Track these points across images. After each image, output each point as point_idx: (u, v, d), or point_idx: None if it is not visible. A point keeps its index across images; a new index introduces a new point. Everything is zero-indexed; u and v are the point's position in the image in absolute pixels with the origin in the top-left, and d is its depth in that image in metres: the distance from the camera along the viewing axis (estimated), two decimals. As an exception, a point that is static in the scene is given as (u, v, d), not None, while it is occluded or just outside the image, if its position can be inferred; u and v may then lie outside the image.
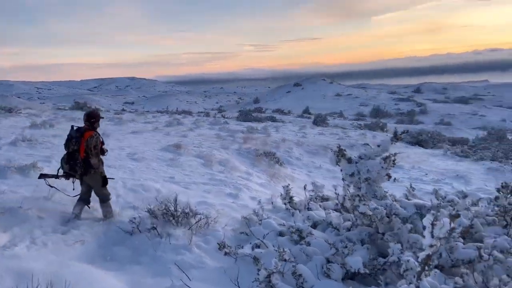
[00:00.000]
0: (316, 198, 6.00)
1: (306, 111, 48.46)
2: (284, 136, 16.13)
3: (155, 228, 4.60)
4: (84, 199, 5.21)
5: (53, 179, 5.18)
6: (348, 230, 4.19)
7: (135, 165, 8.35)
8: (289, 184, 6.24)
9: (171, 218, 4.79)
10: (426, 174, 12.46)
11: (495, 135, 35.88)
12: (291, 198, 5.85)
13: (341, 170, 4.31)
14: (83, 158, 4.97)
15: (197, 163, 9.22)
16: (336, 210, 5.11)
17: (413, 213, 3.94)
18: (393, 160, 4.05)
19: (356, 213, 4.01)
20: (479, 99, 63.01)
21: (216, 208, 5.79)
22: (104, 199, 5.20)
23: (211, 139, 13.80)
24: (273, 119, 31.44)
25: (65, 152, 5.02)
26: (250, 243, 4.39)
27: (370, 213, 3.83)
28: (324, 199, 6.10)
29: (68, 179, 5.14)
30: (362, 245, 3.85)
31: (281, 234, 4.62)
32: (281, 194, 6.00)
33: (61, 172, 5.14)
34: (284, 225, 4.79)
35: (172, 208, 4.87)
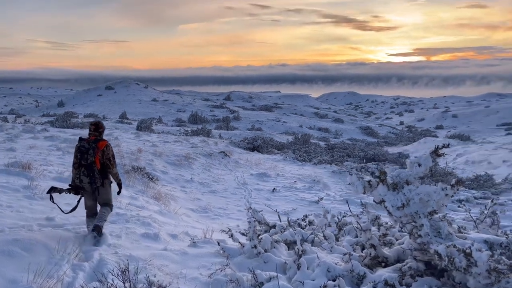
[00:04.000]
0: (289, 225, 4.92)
1: (124, 116, 45.21)
2: (138, 146, 14.06)
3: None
4: (93, 214, 5.04)
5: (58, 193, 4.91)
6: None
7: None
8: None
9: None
10: (295, 181, 12.61)
11: (301, 139, 40.65)
12: (258, 235, 4.51)
13: (379, 200, 3.37)
14: (99, 169, 4.90)
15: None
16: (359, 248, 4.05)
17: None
18: (458, 185, 3.33)
19: (413, 258, 3.18)
20: (279, 107, 70.72)
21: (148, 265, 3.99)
22: (110, 205, 5.08)
23: (45, 151, 10.80)
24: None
25: (73, 165, 4.94)
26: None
27: (443, 254, 3.02)
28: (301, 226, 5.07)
29: (78, 193, 4.95)
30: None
31: None
32: (238, 226, 4.68)
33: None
34: None
35: None
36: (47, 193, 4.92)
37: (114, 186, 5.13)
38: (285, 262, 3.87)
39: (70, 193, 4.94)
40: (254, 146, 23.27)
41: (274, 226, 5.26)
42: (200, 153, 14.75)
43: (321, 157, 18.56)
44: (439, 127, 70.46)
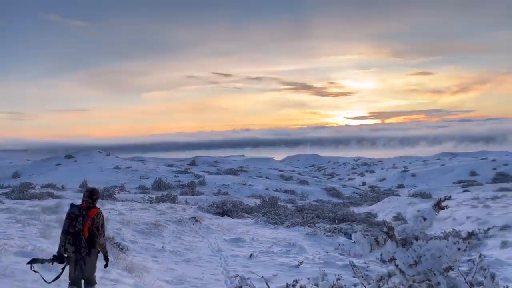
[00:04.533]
0: None
1: (84, 185, 43.63)
2: (108, 214, 13.31)
3: None
4: (76, 284, 4.77)
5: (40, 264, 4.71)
6: None
7: None
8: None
9: None
10: (271, 246, 12.21)
11: (269, 202, 40.45)
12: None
13: (388, 258, 3.20)
14: (87, 238, 4.72)
15: None
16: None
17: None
18: (470, 238, 3.23)
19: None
20: (245, 171, 70.78)
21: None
22: (92, 283, 4.85)
23: (3, 225, 9.96)
24: (51, 195, 26.54)
25: (61, 232, 4.75)
26: None
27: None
28: None
29: (62, 262, 4.73)
30: None
31: None
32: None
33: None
34: None
35: None
36: (27, 263, 4.73)
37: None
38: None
39: (52, 263, 4.74)
40: (223, 210, 22.75)
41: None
42: (169, 220, 14.17)
43: (293, 219, 18.31)
44: (400, 186, 72.42)
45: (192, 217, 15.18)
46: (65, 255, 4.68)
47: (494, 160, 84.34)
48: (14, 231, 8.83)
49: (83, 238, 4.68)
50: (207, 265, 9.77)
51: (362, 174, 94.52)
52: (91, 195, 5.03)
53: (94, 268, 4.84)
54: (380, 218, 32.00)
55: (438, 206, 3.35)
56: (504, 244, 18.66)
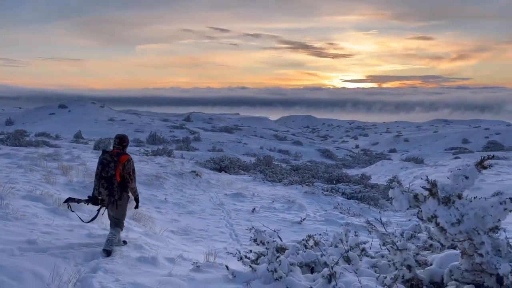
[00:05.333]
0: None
1: (78, 136, 43.37)
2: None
3: None
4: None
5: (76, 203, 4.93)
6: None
7: None
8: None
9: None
10: (273, 202, 12.29)
11: (264, 160, 40.67)
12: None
13: (428, 216, 3.09)
14: (119, 182, 4.90)
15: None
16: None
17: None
18: None
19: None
20: (240, 129, 70.68)
21: None
22: (119, 224, 5.05)
23: (5, 169, 9.83)
24: (47, 144, 26.35)
25: (95, 177, 4.93)
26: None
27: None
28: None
29: (96, 204, 4.94)
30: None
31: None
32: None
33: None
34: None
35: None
36: (64, 202, 4.97)
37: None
38: (311, 287, 3.52)
39: (87, 204, 4.97)
40: (221, 166, 22.81)
41: (281, 248, 4.89)
42: (170, 173, 14.13)
43: (291, 178, 18.41)
44: (393, 151, 73.10)
45: (192, 171, 15.17)
46: (100, 198, 4.90)
47: (487, 128, 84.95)
48: (17, 176, 8.71)
49: (115, 182, 4.89)
50: (211, 218, 9.83)
51: (355, 137, 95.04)
52: (121, 141, 5.13)
53: (124, 211, 5.09)
54: (374, 180, 32.47)
55: (481, 165, 3.23)
56: (495, 210, 19.11)
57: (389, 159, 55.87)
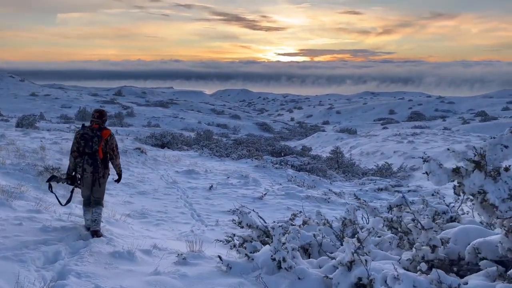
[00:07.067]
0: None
1: (-4, 113, 39.34)
2: (38, 144, 11.82)
3: None
4: (89, 203, 4.83)
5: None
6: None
7: None
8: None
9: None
10: (228, 177, 11.81)
11: (204, 135, 39.97)
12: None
13: (474, 191, 2.74)
14: (101, 158, 4.75)
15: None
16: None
17: None
18: None
19: None
20: (175, 103, 68.62)
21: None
22: (101, 203, 4.88)
23: None
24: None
25: (71, 153, 4.74)
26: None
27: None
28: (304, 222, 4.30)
29: (73, 184, 4.83)
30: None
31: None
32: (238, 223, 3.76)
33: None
34: None
35: None
36: (47, 181, 4.89)
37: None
38: (326, 277, 3.14)
39: (67, 183, 4.82)
40: (163, 142, 21.78)
41: (267, 231, 4.46)
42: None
43: (240, 152, 18.02)
44: (326, 123, 75.58)
45: (137, 148, 14.15)
46: (78, 176, 4.74)
47: (410, 100, 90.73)
48: None
49: (98, 158, 4.68)
50: (166, 198, 9.15)
51: (290, 111, 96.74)
52: (101, 115, 4.90)
53: (104, 190, 4.95)
54: (315, 151, 33.18)
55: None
56: (431, 176, 20.27)
57: (323, 130, 57.57)
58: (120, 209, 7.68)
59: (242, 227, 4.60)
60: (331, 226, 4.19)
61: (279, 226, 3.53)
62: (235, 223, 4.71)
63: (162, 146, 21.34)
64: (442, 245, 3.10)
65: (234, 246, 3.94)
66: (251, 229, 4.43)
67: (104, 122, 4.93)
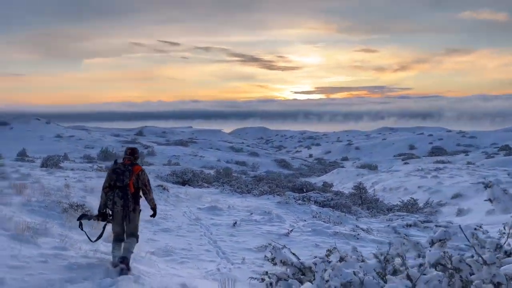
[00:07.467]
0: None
1: (23, 153, 40.32)
2: (62, 182, 11.90)
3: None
4: (120, 239, 4.82)
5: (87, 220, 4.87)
6: None
7: None
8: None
9: None
10: (251, 214, 11.55)
11: (223, 173, 39.90)
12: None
13: None
14: (132, 193, 4.76)
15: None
16: None
17: None
18: None
19: None
20: (195, 142, 69.30)
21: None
22: (136, 236, 4.88)
23: None
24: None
25: (103, 188, 4.83)
26: None
27: None
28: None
29: (105, 220, 4.81)
30: None
31: None
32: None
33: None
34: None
35: None
36: (77, 219, 4.91)
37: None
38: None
39: (98, 220, 4.84)
40: (183, 179, 21.76)
41: (303, 268, 4.18)
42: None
43: (261, 188, 17.77)
44: (345, 159, 74.83)
45: (159, 185, 14.10)
46: (109, 213, 4.74)
47: (430, 135, 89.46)
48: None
49: (129, 193, 4.70)
50: (190, 235, 8.92)
51: (308, 147, 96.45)
52: (133, 152, 5.13)
53: (138, 225, 4.96)
54: (335, 188, 32.57)
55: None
56: (460, 212, 19.49)
57: (343, 166, 56.91)
58: (144, 247, 7.49)
59: (274, 264, 4.34)
60: (383, 260, 3.89)
61: (321, 261, 3.28)
62: (267, 259, 4.44)
63: (183, 183, 21.30)
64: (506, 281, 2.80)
65: (271, 284, 3.68)
66: (285, 266, 4.17)
67: (136, 159, 5.09)
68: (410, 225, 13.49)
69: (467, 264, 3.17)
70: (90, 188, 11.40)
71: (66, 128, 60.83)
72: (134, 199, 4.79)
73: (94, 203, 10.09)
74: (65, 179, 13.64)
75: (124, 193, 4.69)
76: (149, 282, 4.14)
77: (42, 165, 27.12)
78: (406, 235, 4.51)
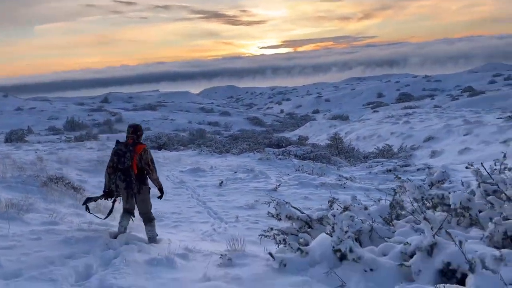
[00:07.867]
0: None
1: (-18, 130, 38.48)
2: (34, 155, 11.31)
3: None
4: (129, 212, 4.80)
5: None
6: None
7: None
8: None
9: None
10: (235, 172, 11.43)
11: (197, 134, 39.52)
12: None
13: None
14: (136, 174, 4.60)
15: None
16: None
17: None
18: None
19: None
20: (163, 105, 67.80)
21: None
22: (151, 219, 4.80)
23: None
24: None
25: (107, 169, 4.70)
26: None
27: None
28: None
29: (111, 197, 4.74)
30: None
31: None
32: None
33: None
34: None
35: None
36: (83, 204, 4.79)
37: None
38: (402, 264, 2.79)
39: (105, 199, 4.75)
40: (159, 144, 21.34)
41: (309, 221, 4.09)
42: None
43: (240, 146, 17.64)
44: (316, 112, 75.39)
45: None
46: (114, 190, 4.63)
47: (397, 81, 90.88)
48: None
49: (133, 174, 4.52)
50: (178, 198, 8.76)
51: (279, 103, 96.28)
52: (136, 130, 4.76)
53: (148, 204, 4.76)
54: (310, 141, 32.88)
55: None
56: (433, 154, 20.11)
57: (314, 119, 57.35)
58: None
59: (279, 220, 4.24)
60: (397, 206, 3.82)
61: (340, 212, 3.16)
62: (271, 216, 4.33)
63: (159, 148, 20.88)
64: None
65: (284, 240, 3.56)
66: (290, 221, 4.07)
67: (139, 137, 4.79)
68: (390, 171, 13.78)
69: (489, 202, 3.13)
70: (64, 159, 10.91)
71: (25, 100, 57.95)
72: (140, 180, 4.58)
73: (72, 174, 9.69)
74: (36, 152, 13.02)
75: (127, 175, 4.49)
76: (153, 250, 3.97)
77: (6, 140, 25.90)
78: (408, 179, 4.48)
